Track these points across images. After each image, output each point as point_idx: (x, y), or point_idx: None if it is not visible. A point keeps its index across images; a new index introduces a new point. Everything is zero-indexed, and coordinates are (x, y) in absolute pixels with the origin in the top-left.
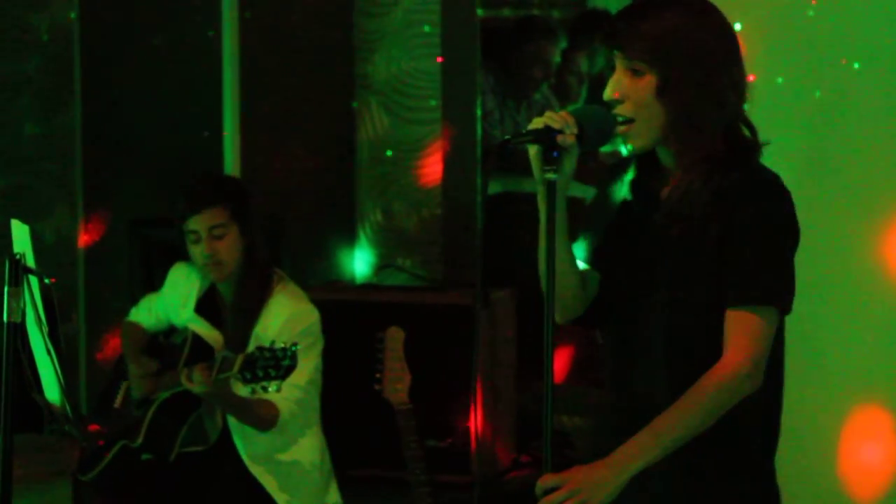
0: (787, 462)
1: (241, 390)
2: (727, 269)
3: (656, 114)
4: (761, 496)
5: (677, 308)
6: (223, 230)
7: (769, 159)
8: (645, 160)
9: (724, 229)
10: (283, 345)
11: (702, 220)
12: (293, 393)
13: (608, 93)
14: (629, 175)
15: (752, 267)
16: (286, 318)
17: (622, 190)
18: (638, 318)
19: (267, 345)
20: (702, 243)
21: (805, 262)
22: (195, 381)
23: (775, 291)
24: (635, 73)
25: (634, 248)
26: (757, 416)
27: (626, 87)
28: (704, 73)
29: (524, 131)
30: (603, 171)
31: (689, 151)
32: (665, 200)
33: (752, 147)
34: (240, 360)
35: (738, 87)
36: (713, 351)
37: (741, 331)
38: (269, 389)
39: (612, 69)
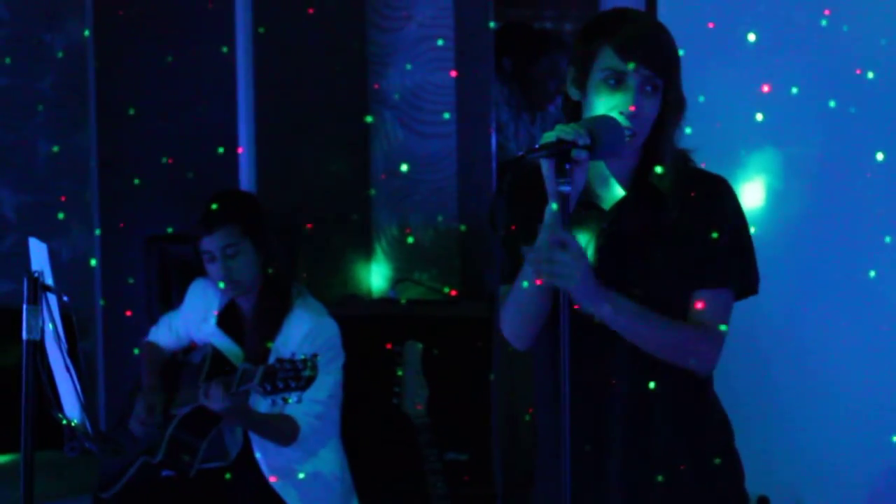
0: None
1: (262, 402)
2: (703, 259)
3: (650, 126)
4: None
5: (651, 301)
6: (236, 248)
7: (785, 169)
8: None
9: (695, 227)
10: (303, 356)
11: (665, 224)
12: (314, 408)
13: (626, 107)
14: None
15: (728, 256)
16: (306, 331)
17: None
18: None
19: (287, 357)
20: (664, 242)
21: (818, 271)
22: (212, 398)
23: (744, 277)
24: (654, 88)
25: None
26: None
27: (644, 102)
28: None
29: (538, 146)
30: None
31: (655, 160)
32: (621, 209)
33: (686, 152)
34: (260, 371)
35: None
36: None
37: (718, 305)
38: (290, 401)
39: (614, 80)
